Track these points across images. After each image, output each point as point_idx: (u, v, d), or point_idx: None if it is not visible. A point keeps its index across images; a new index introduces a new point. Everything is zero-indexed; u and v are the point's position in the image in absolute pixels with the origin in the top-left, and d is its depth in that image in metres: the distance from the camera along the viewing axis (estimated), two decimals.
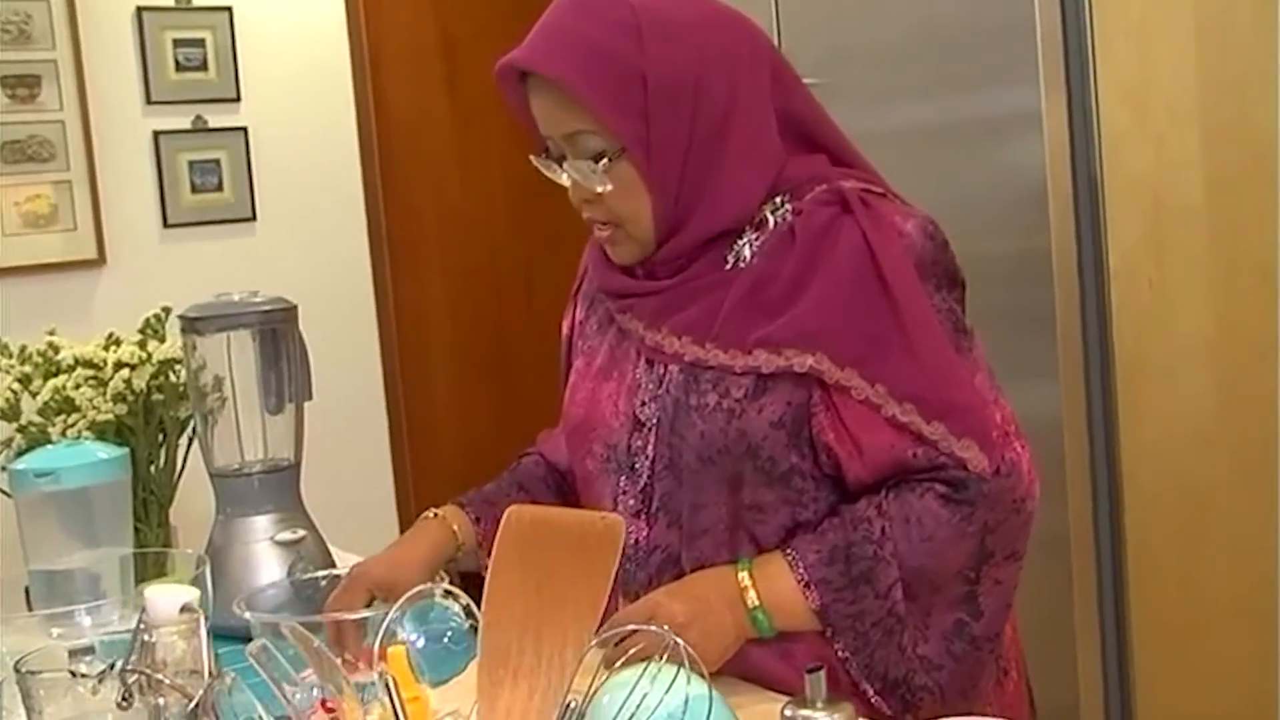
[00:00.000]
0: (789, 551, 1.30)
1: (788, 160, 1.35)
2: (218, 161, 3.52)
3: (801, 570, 1.28)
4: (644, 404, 1.40)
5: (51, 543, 1.73)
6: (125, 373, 1.91)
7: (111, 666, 1.14)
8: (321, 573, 1.58)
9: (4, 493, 1.97)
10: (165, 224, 3.47)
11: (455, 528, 1.52)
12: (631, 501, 1.40)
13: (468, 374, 3.94)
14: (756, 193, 1.34)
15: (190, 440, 2.02)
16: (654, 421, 1.38)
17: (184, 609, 1.09)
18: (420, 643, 1.06)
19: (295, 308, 1.70)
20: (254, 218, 3.58)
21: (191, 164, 3.48)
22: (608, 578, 0.99)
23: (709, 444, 1.32)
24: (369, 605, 1.39)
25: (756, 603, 1.29)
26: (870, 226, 1.27)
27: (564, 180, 1.37)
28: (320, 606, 1.51)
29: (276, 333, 1.68)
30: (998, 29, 2.24)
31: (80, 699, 1.16)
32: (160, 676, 1.02)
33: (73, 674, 1.15)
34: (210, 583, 1.46)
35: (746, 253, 1.35)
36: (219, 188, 3.52)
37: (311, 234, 3.63)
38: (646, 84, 1.28)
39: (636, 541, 1.38)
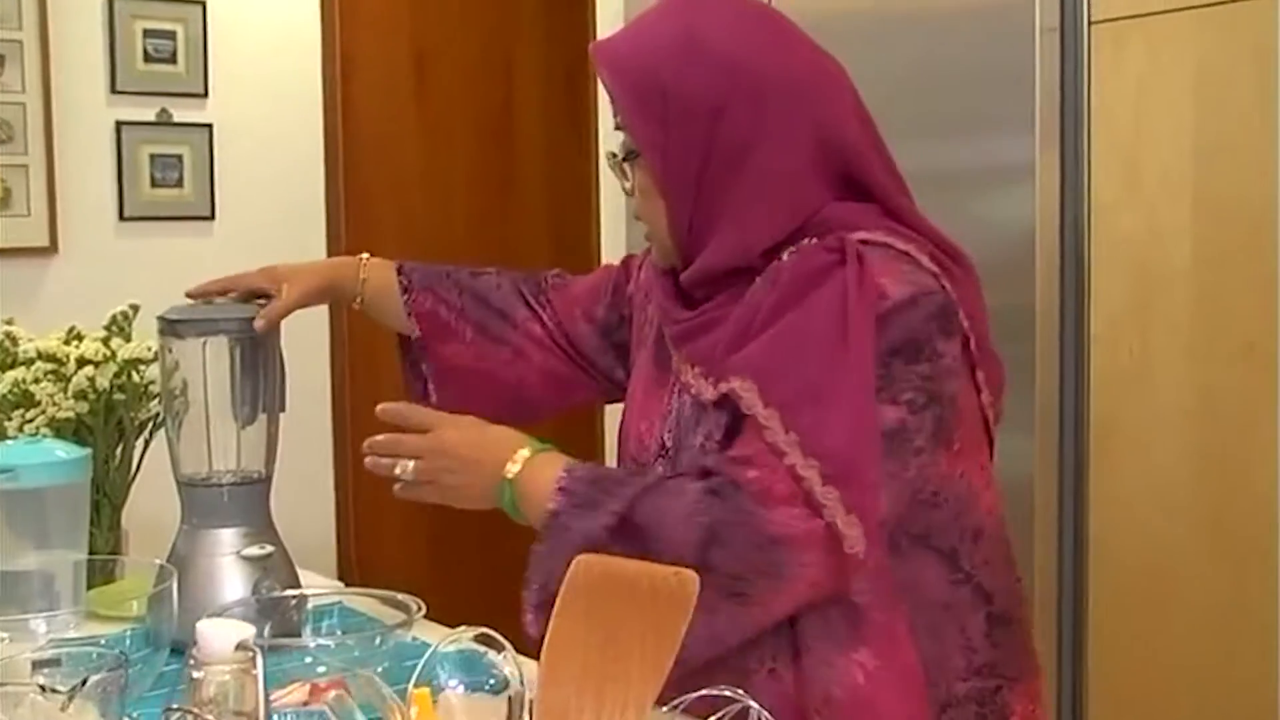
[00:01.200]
0: (573, 459, 1.31)
1: (829, 204, 1.34)
2: (180, 157, 3.45)
3: (564, 473, 1.28)
4: (669, 431, 1.42)
5: (2, 542, 1.67)
6: (89, 370, 1.85)
7: (83, 683, 1.10)
8: (290, 592, 1.54)
9: None
10: (121, 216, 3.40)
11: (367, 272, 1.67)
12: None
13: None
14: (774, 230, 1.33)
15: (146, 443, 1.97)
16: (671, 451, 1.40)
17: (239, 646, 1.03)
18: (459, 689, 1.01)
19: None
20: (212, 217, 3.52)
21: (153, 157, 3.41)
22: (677, 637, 0.95)
23: None
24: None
25: (510, 477, 1.31)
26: (854, 281, 1.25)
27: None
28: (286, 627, 1.47)
29: (255, 341, 1.63)
30: (994, 75, 2.23)
31: (43, 713, 1.11)
32: (209, 718, 0.96)
33: (42, 689, 1.09)
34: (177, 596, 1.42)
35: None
36: (179, 183, 3.46)
37: (270, 238, 3.55)
38: (667, 96, 1.33)
39: None
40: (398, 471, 1.37)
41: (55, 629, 1.47)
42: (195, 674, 1.03)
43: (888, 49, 2.38)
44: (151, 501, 1.98)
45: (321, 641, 1.38)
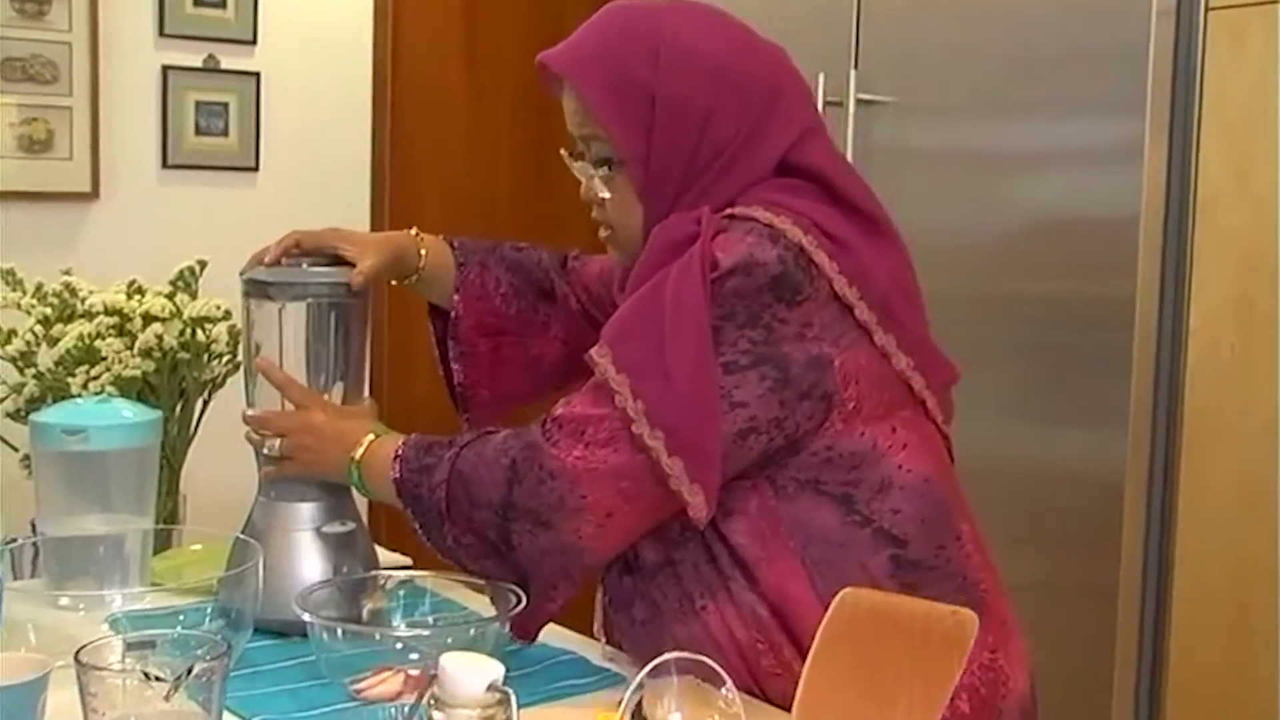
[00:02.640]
0: (415, 434, 1.42)
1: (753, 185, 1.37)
2: (226, 105, 3.38)
3: (399, 445, 1.41)
4: None
5: (66, 505, 1.61)
6: (157, 326, 1.78)
7: (189, 671, 1.03)
8: (391, 573, 1.49)
9: (5, 443, 1.85)
10: (164, 164, 3.32)
11: (426, 249, 1.69)
12: None
13: None
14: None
15: (205, 404, 1.91)
16: None
17: (490, 687, 0.95)
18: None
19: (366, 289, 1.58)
20: (256, 168, 3.46)
21: (199, 104, 3.34)
22: (950, 681, 0.89)
23: None
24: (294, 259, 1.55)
25: (356, 457, 1.45)
26: (695, 252, 1.29)
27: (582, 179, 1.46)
28: (369, 614, 1.42)
29: (344, 305, 1.55)
30: (1106, 58, 2.18)
31: (142, 700, 1.05)
32: None
33: (146, 675, 1.03)
34: (261, 574, 1.35)
35: None
36: (224, 132, 3.39)
37: (313, 193, 3.50)
38: (655, 105, 1.35)
39: None
40: (266, 448, 1.52)
41: (128, 601, 1.43)
42: (436, 715, 0.96)
43: (1000, 26, 2.35)
44: (209, 466, 1.95)
45: (419, 632, 1.33)
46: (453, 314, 1.70)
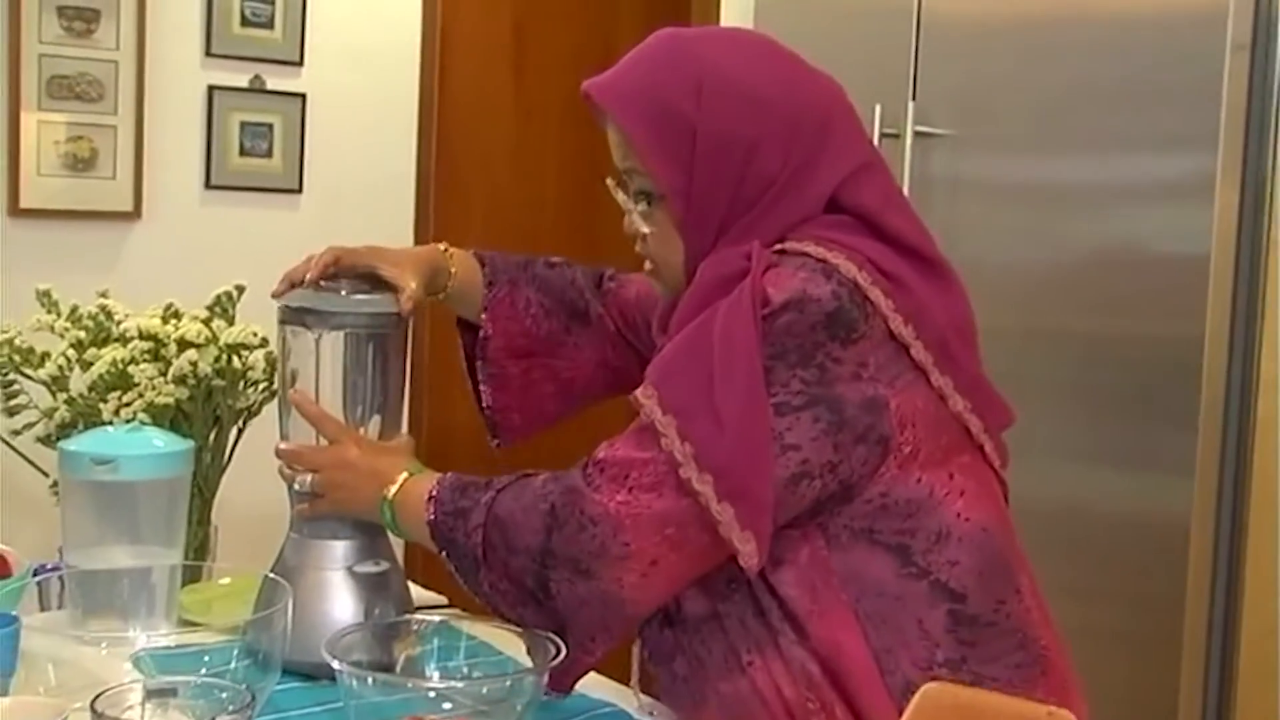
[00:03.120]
0: (450, 473, 1.40)
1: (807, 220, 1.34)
2: (271, 126, 3.37)
3: (434, 485, 1.38)
4: None
5: (93, 535, 1.57)
6: (191, 353, 1.74)
7: None
8: (427, 617, 1.44)
9: (35, 467, 1.82)
10: (208, 184, 3.32)
11: (456, 266, 1.65)
12: None
13: None
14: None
15: (240, 432, 1.87)
16: None
17: None
18: None
19: (410, 318, 1.55)
20: (300, 190, 3.44)
21: (244, 125, 3.33)
22: None
23: None
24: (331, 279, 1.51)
25: (389, 496, 1.42)
26: (746, 288, 1.26)
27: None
28: (402, 660, 1.37)
29: (385, 336, 1.51)
30: (1179, 91, 2.15)
31: None
32: None
33: None
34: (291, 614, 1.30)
35: None
36: (268, 154, 3.38)
37: (357, 216, 3.48)
38: (696, 139, 1.32)
39: None
40: (297, 484, 1.48)
41: (152, 637, 1.39)
42: None
43: (1064, 57, 2.33)
44: (241, 495, 1.92)
45: (453, 683, 1.27)
46: (481, 333, 1.67)
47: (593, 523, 1.25)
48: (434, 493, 1.37)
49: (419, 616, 1.45)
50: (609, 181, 1.44)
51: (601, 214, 4.06)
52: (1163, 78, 2.17)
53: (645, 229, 1.40)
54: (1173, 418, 2.14)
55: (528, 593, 1.31)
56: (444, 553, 1.36)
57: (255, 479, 1.91)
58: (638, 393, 1.28)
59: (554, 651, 1.27)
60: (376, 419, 1.53)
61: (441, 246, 1.67)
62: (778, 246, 1.30)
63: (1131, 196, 2.25)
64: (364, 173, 3.54)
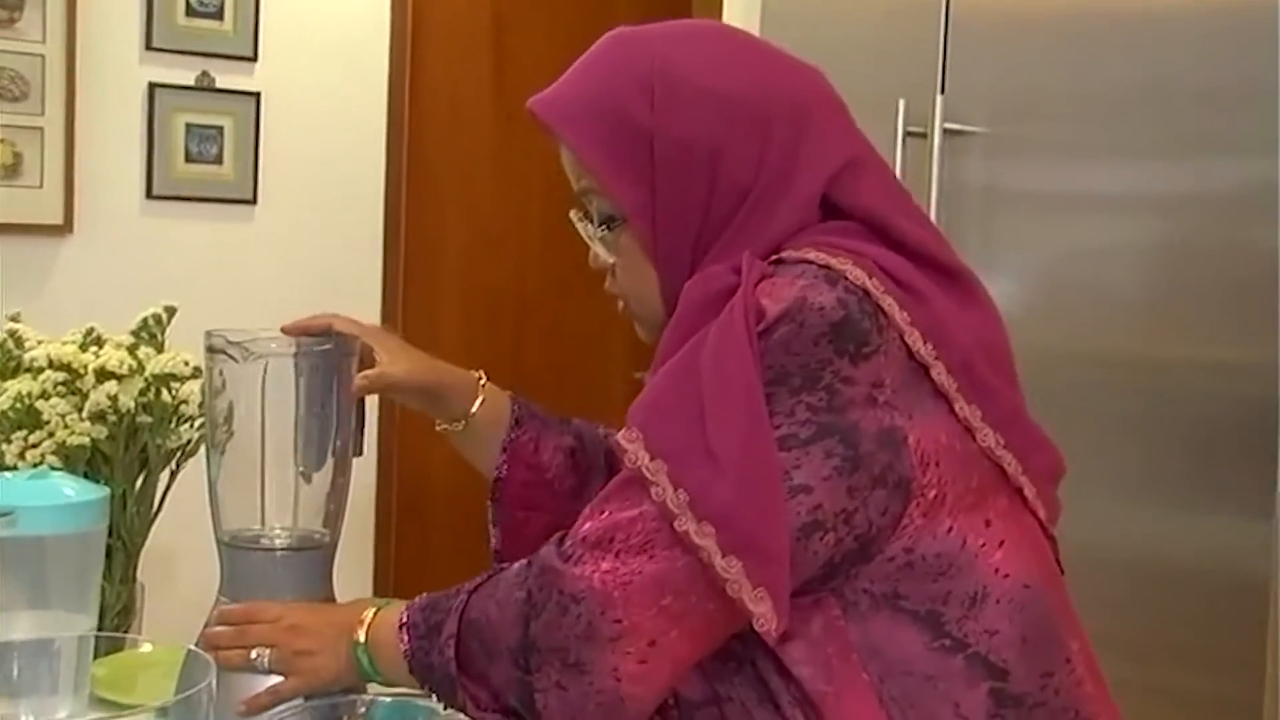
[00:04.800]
0: (418, 598, 1.33)
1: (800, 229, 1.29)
2: (220, 129, 3.36)
3: (404, 612, 1.32)
4: None
5: None
6: (111, 386, 1.65)
7: None
8: (354, 697, 1.33)
9: None
10: (149, 194, 3.30)
11: (486, 394, 1.59)
12: None
13: None
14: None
15: (172, 475, 1.79)
16: None
17: None
18: None
19: (357, 340, 1.50)
20: (254, 201, 3.43)
21: (190, 127, 3.33)
22: None
23: None
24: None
25: (362, 640, 1.34)
26: (739, 301, 1.19)
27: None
28: None
29: (328, 370, 1.46)
30: (1235, 93, 2.15)
31: None
32: None
33: None
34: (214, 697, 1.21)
35: None
36: (218, 159, 3.37)
37: (318, 230, 3.49)
38: (654, 147, 1.28)
39: None
40: (254, 659, 1.39)
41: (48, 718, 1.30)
42: None
43: (1109, 50, 2.33)
44: (174, 548, 1.86)
45: None
46: (496, 474, 1.61)
47: (574, 601, 1.18)
48: (404, 619, 1.31)
49: (367, 695, 1.35)
50: (572, 214, 1.40)
51: None
52: (1216, 77, 2.18)
53: (610, 258, 1.36)
54: (1246, 453, 2.10)
55: (510, 712, 1.24)
56: (424, 684, 1.29)
57: (190, 529, 1.85)
58: (619, 437, 1.20)
59: None
60: (330, 465, 1.47)
61: (479, 374, 1.63)
62: (774, 256, 1.25)
63: (1189, 206, 2.23)
64: (326, 182, 3.52)
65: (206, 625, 1.44)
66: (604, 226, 1.35)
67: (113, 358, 1.70)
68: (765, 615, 1.14)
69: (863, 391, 1.18)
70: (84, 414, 1.67)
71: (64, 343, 1.74)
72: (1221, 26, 2.16)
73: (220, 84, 3.34)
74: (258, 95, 3.37)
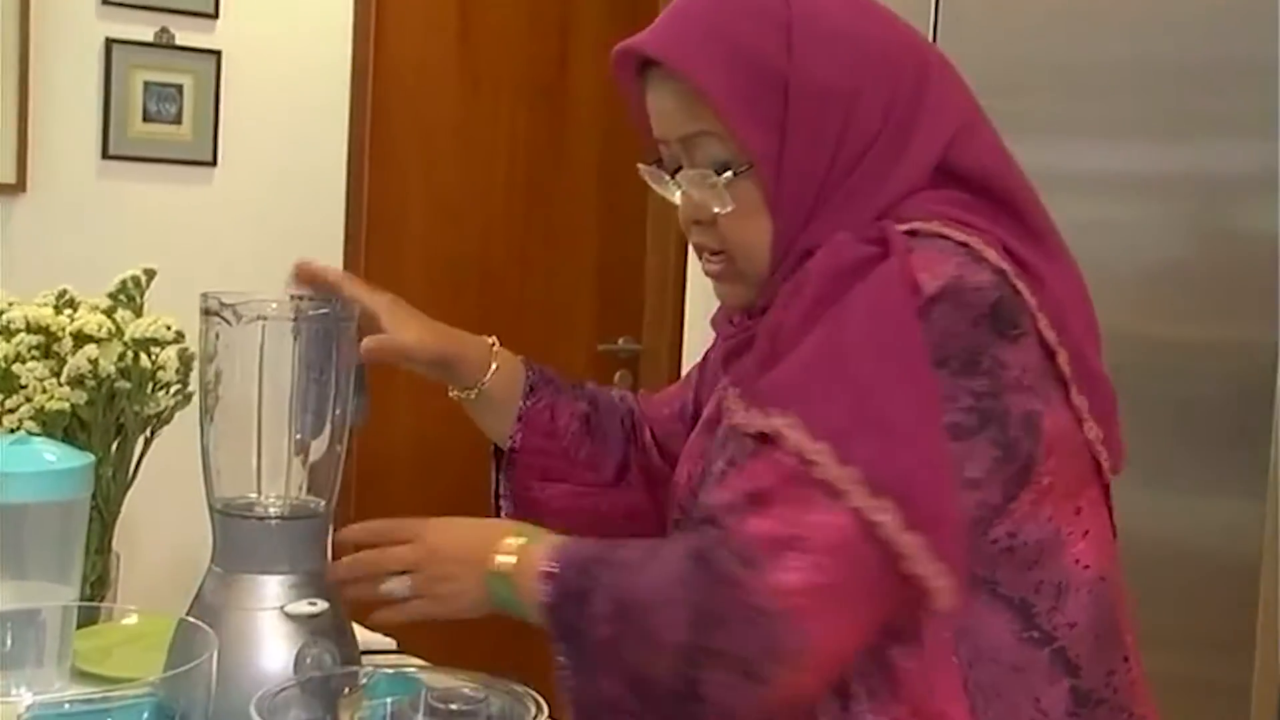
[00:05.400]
0: (567, 539, 1.27)
1: (910, 194, 1.28)
2: (180, 88, 3.30)
3: (548, 556, 1.24)
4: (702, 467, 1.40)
5: None
6: (91, 349, 1.65)
7: None
8: (353, 669, 1.35)
9: None
10: (105, 154, 3.25)
11: (495, 364, 1.57)
12: None
13: (438, 390, 3.66)
14: (860, 221, 1.28)
15: (147, 443, 1.78)
16: (698, 488, 1.38)
17: None
18: None
19: (356, 306, 1.49)
20: (214, 163, 3.38)
21: (148, 86, 3.26)
22: None
23: None
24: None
25: (503, 571, 1.27)
26: (895, 277, 1.18)
27: (674, 197, 1.36)
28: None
29: (326, 333, 1.44)
30: (1234, 72, 2.16)
31: None
32: None
33: None
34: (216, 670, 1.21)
35: None
36: (177, 119, 3.31)
37: (279, 195, 3.45)
38: (789, 92, 1.26)
39: None
40: (387, 590, 1.35)
41: (40, 691, 1.31)
42: None
43: (1103, 31, 2.33)
44: (147, 518, 1.86)
45: None
46: (509, 444, 1.59)
47: (761, 615, 1.13)
48: (549, 566, 1.24)
49: (366, 666, 1.37)
50: (642, 166, 1.37)
51: (562, 199, 4.08)
52: (1213, 56, 2.18)
53: (721, 208, 1.31)
54: (1241, 434, 2.12)
55: (664, 693, 1.19)
56: (561, 644, 1.23)
57: (165, 498, 1.85)
58: (776, 425, 1.17)
59: (534, 711, 1.19)
60: (328, 434, 1.46)
61: (491, 340, 1.60)
62: (905, 227, 1.23)
63: (1186, 186, 2.24)
64: (287, 144, 3.49)
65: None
66: (724, 174, 1.30)
67: (90, 321, 1.70)
68: (946, 591, 1.13)
69: (1014, 375, 1.19)
70: (63, 379, 1.66)
71: (39, 305, 1.73)
72: (1226, 11, 2.16)
73: (180, 41, 3.28)
74: (218, 54, 3.32)
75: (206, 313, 1.41)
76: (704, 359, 1.61)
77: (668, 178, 1.35)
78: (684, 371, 3.17)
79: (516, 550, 1.27)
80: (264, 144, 3.44)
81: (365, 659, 1.44)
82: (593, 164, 3.99)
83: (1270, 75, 2.08)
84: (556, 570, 1.23)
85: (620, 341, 3.94)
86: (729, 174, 1.29)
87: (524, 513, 1.58)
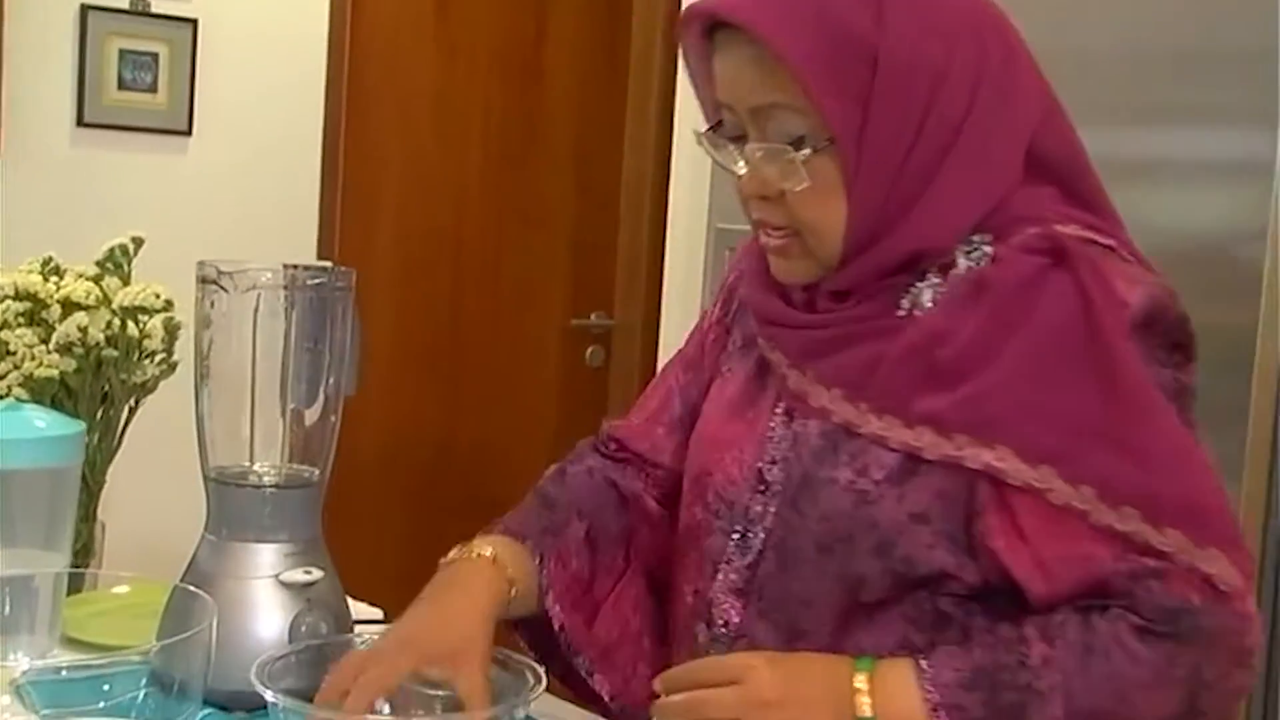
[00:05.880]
0: (923, 664, 1.19)
1: (1013, 191, 1.27)
2: (155, 56, 3.31)
3: (932, 689, 1.17)
4: (773, 462, 1.33)
5: None
6: (81, 317, 1.65)
7: None
8: (348, 637, 1.37)
9: None
10: (80, 122, 3.26)
11: (511, 573, 1.35)
12: (734, 576, 1.33)
13: (410, 365, 3.74)
14: (971, 218, 1.26)
15: (131, 411, 1.78)
16: (779, 488, 1.32)
17: None
18: None
19: (352, 273, 1.48)
20: (189, 132, 3.39)
21: (124, 54, 3.27)
22: None
23: (830, 530, 1.26)
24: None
25: (869, 715, 1.18)
26: (1092, 285, 1.19)
27: (736, 167, 1.28)
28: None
29: (321, 302, 1.45)
30: (1231, 59, 2.13)
31: None
32: None
33: None
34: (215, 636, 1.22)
35: (926, 299, 1.27)
36: (153, 88, 3.32)
37: (254, 165, 3.45)
38: (877, 65, 1.20)
39: (727, 623, 1.33)
40: None
41: (36, 656, 1.32)
42: None
43: (1101, 21, 2.29)
44: (130, 486, 1.84)
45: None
46: (557, 626, 1.41)
47: (1248, 654, 1.18)
48: (935, 699, 1.16)
49: (360, 634, 1.39)
50: (698, 132, 1.31)
51: (534, 176, 4.08)
52: (1211, 44, 2.15)
53: (795, 184, 1.24)
54: (1219, 415, 2.05)
55: None
56: None
57: (148, 467, 1.84)
58: (969, 454, 1.19)
59: (531, 682, 1.21)
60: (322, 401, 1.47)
61: (474, 553, 1.36)
62: (1064, 230, 1.23)
63: (1176, 175, 2.22)
64: (263, 114, 3.49)
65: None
66: (791, 149, 1.24)
67: (78, 289, 1.70)
68: (1224, 574, 1.14)
69: (1192, 401, 1.23)
70: (51, 345, 1.66)
71: (26, 271, 1.73)
72: None
73: (156, 8, 3.29)
74: (195, 22, 3.33)
75: (203, 281, 1.42)
76: (701, 340, 1.54)
77: (730, 145, 1.28)
78: (660, 348, 3.19)
79: (868, 690, 1.19)
80: (240, 113, 3.44)
81: (357, 628, 1.46)
82: (568, 138, 4.00)
83: (1270, 61, 2.05)
84: (938, 699, 1.17)
85: (593, 317, 3.94)
86: (807, 150, 1.23)
87: (582, 646, 1.43)
